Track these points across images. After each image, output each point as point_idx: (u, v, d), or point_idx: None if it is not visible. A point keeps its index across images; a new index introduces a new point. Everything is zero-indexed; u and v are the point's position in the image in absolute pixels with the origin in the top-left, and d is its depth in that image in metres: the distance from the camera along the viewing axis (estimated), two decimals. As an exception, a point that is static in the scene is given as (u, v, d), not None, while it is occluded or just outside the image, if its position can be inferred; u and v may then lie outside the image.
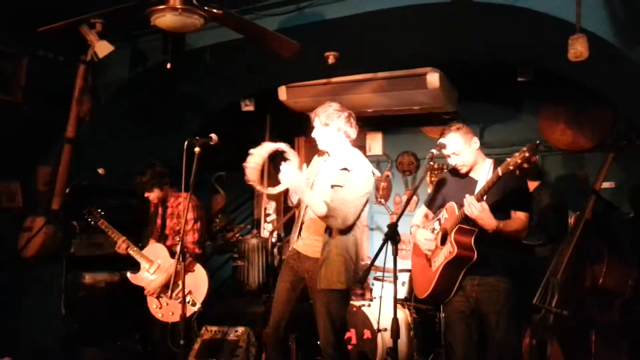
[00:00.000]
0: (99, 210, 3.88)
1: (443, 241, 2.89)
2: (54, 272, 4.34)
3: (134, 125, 4.77)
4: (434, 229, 3.00)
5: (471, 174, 2.97)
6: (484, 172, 2.92)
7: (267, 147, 3.08)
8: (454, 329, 2.93)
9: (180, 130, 5.01)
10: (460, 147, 2.90)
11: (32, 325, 4.22)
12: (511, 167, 2.52)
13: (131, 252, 3.77)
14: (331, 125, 3.04)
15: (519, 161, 2.50)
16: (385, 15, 3.48)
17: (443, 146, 2.91)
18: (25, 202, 4.22)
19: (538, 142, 2.50)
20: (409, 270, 3.94)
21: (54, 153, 4.15)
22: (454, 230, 2.77)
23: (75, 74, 3.97)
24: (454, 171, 3.06)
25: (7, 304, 4.09)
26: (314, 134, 3.12)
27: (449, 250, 2.79)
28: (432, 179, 5.33)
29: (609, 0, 2.97)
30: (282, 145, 3.08)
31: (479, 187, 2.81)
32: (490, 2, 3.20)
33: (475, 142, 2.94)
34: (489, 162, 2.96)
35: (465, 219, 2.76)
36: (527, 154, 2.47)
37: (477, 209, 2.66)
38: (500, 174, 2.59)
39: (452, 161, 2.96)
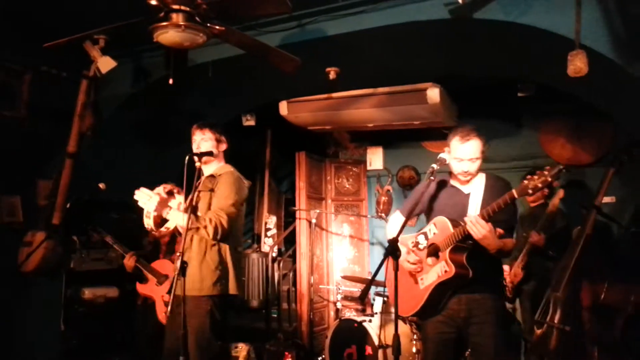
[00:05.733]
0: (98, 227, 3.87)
1: (429, 255, 2.74)
2: (54, 287, 4.34)
3: (136, 140, 4.78)
4: (418, 243, 2.80)
5: (463, 187, 2.83)
6: (476, 185, 2.78)
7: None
8: (430, 349, 2.79)
9: (181, 145, 5.02)
10: (479, 155, 2.73)
11: (31, 340, 4.19)
12: (530, 192, 2.34)
13: (139, 265, 3.74)
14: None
15: (540, 185, 2.29)
16: (385, 31, 3.51)
17: (443, 161, 2.81)
18: (25, 217, 4.22)
19: (562, 167, 2.27)
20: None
21: (55, 168, 4.15)
22: (450, 248, 2.61)
23: (78, 89, 3.99)
24: (443, 181, 2.91)
25: (6, 319, 4.07)
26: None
27: (444, 270, 2.63)
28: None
29: (608, 16, 3.00)
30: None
31: (472, 201, 2.71)
32: (490, 19, 3.23)
33: (484, 152, 2.81)
34: (482, 176, 2.81)
35: (464, 238, 2.58)
36: (548, 179, 2.25)
37: (484, 228, 2.46)
38: (516, 196, 2.39)
39: (463, 167, 2.74)
